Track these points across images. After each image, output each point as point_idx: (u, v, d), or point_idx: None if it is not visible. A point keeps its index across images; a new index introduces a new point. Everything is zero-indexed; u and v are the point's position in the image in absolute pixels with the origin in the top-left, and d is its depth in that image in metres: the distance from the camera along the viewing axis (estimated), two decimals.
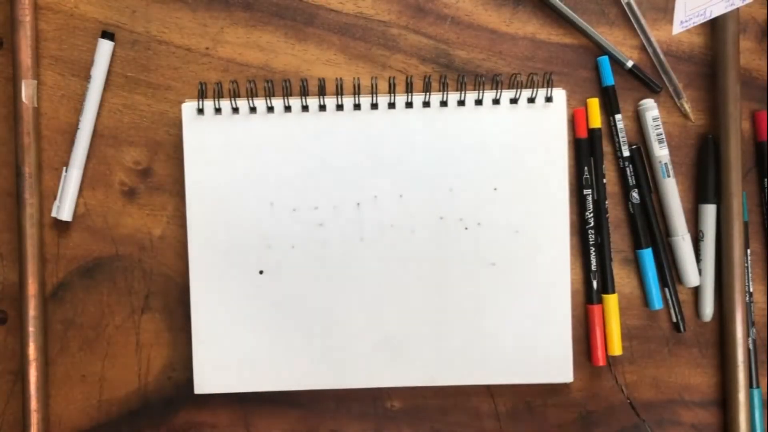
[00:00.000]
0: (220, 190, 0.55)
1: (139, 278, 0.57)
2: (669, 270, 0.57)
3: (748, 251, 0.57)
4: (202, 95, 0.54)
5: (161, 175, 0.57)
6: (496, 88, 0.55)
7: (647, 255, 0.56)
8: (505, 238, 0.55)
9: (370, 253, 0.55)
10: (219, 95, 0.55)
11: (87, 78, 0.56)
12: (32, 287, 0.55)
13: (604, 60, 0.56)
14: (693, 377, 0.58)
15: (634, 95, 0.57)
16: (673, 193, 0.56)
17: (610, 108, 0.56)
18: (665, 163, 0.56)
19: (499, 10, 0.56)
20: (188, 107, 0.55)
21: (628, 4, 0.56)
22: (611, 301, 0.56)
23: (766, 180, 0.57)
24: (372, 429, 0.57)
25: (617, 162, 0.57)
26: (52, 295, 0.57)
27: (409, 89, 0.55)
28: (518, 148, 0.55)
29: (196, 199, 0.55)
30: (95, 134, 0.57)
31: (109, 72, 0.56)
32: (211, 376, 0.55)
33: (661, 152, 0.56)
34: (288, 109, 0.55)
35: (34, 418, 0.56)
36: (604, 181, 0.56)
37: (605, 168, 0.56)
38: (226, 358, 0.56)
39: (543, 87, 0.54)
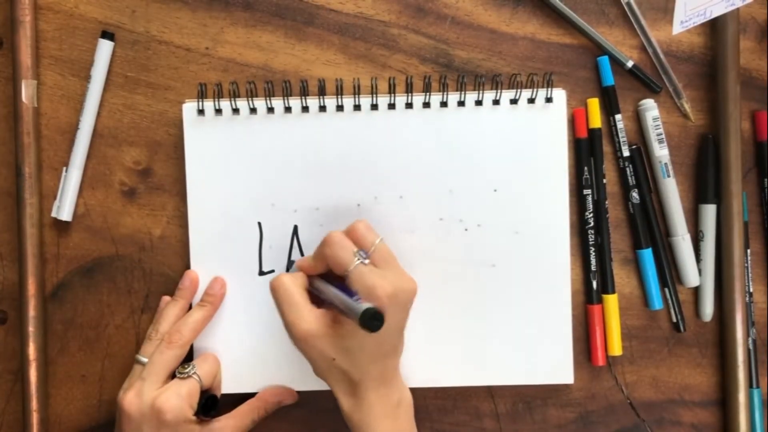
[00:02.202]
0: (221, 191, 0.55)
1: (139, 278, 0.57)
2: (669, 270, 0.57)
3: (748, 251, 0.57)
4: (201, 96, 0.54)
5: (161, 175, 0.57)
6: (496, 89, 0.55)
7: (647, 255, 0.56)
8: (505, 239, 0.55)
9: None
10: (219, 96, 0.55)
11: (87, 78, 0.56)
12: (32, 287, 0.55)
13: (604, 60, 0.56)
14: (693, 377, 0.58)
15: (634, 95, 0.57)
16: (673, 193, 0.56)
17: (610, 108, 0.56)
18: (665, 163, 0.56)
19: (499, 10, 0.56)
20: (189, 108, 0.55)
21: (628, 4, 0.56)
22: (611, 301, 0.56)
23: (766, 180, 0.57)
24: None
25: (617, 162, 0.57)
26: (52, 295, 0.57)
27: (409, 89, 0.55)
28: (518, 148, 0.55)
29: (197, 199, 0.55)
30: (95, 134, 0.57)
31: (109, 72, 0.56)
32: None
33: (661, 152, 0.56)
34: (288, 110, 0.55)
35: (34, 418, 0.56)
36: (604, 181, 0.56)
37: (605, 168, 0.56)
38: (226, 358, 0.56)
39: (543, 87, 0.54)
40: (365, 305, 0.42)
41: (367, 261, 0.48)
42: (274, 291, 0.49)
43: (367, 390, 0.49)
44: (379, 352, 0.48)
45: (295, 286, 0.49)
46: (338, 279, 0.49)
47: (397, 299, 0.47)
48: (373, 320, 0.42)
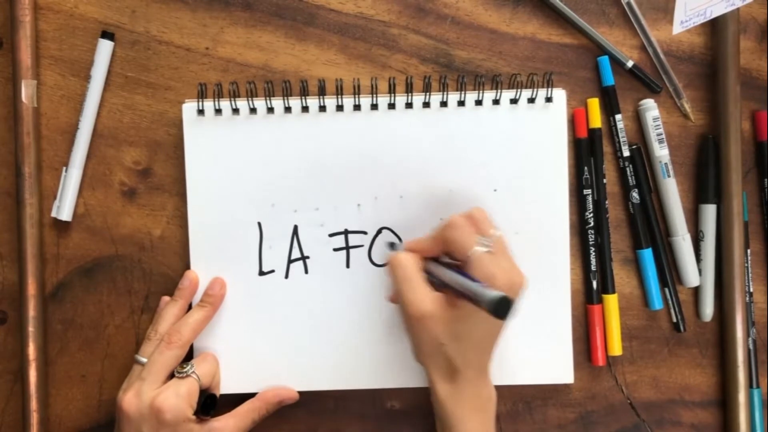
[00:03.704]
0: (221, 190, 0.55)
1: (139, 278, 0.57)
2: (669, 270, 0.57)
3: (748, 251, 0.57)
4: (201, 96, 0.54)
5: (161, 175, 0.57)
6: (496, 89, 0.55)
7: (647, 255, 0.56)
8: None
9: (371, 254, 0.55)
10: (219, 96, 0.55)
11: (87, 78, 0.56)
12: (32, 287, 0.55)
13: (604, 60, 0.56)
14: (693, 377, 0.58)
15: (634, 95, 0.57)
16: (673, 193, 0.56)
17: (610, 108, 0.56)
18: (665, 163, 0.56)
19: (499, 10, 0.56)
20: (189, 108, 0.55)
21: (628, 4, 0.56)
22: (611, 301, 0.56)
23: (766, 180, 0.57)
24: (372, 429, 0.57)
25: (617, 162, 0.57)
26: (52, 295, 0.57)
27: (409, 89, 0.54)
28: (518, 148, 0.55)
29: (197, 199, 0.55)
30: (95, 134, 0.57)
31: (109, 72, 0.56)
32: None
33: (661, 152, 0.56)
34: (288, 110, 0.55)
35: (34, 418, 0.56)
36: (604, 181, 0.56)
37: (605, 168, 0.56)
38: (226, 358, 0.56)
39: (543, 87, 0.54)
40: (496, 292, 0.42)
41: (489, 248, 0.48)
42: (393, 268, 0.50)
43: (466, 380, 0.49)
44: (485, 342, 0.49)
45: (413, 265, 0.50)
46: (448, 265, 0.50)
47: (510, 292, 0.47)
48: (505, 308, 0.42)
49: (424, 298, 0.48)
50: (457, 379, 0.49)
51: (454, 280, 0.47)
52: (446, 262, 0.51)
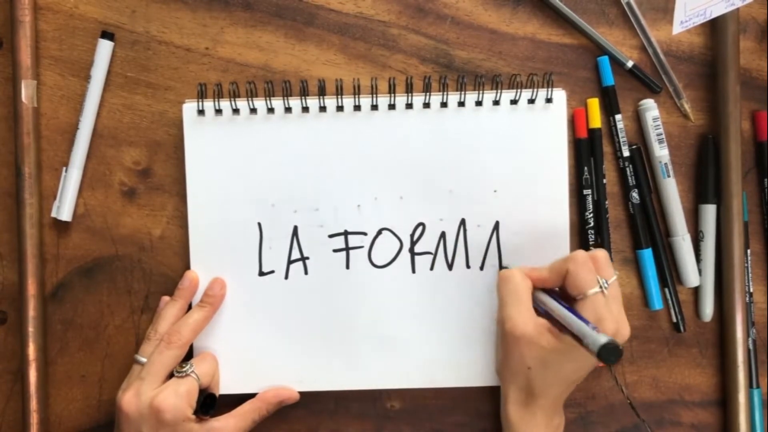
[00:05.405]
0: (221, 191, 0.55)
1: (139, 278, 0.57)
2: (669, 270, 0.57)
3: (748, 251, 0.57)
4: (201, 96, 0.54)
5: (161, 175, 0.57)
6: (496, 89, 0.55)
7: (647, 255, 0.56)
8: (505, 240, 0.55)
9: (371, 255, 0.55)
10: (219, 96, 0.55)
11: (87, 78, 0.56)
12: (32, 287, 0.55)
13: (604, 60, 0.56)
14: (693, 377, 0.58)
15: (634, 95, 0.57)
16: (673, 193, 0.56)
17: (610, 108, 0.56)
18: (665, 163, 0.56)
19: (499, 10, 0.56)
20: (189, 108, 0.55)
21: (628, 4, 0.56)
22: None
23: (766, 180, 0.57)
24: (372, 429, 0.57)
25: (617, 162, 0.57)
26: (52, 295, 0.57)
27: (409, 89, 0.54)
28: (518, 148, 0.55)
29: (197, 199, 0.55)
30: (95, 134, 0.57)
31: (109, 72, 0.56)
32: None
33: (661, 152, 0.56)
34: (288, 110, 0.55)
35: (34, 418, 0.56)
36: (604, 181, 0.56)
37: (605, 168, 0.56)
38: (226, 358, 0.56)
39: (543, 87, 0.54)
40: (606, 337, 0.42)
41: (606, 291, 0.48)
42: (504, 282, 0.51)
43: (541, 407, 0.50)
44: (570, 377, 0.50)
45: (524, 284, 0.50)
46: (554, 296, 0.50)
47: (615, 338, 0.47)
48: (612, 354, 0.42)
49: (528, 321, 0.49)
50: (531, 404, 0.50)
51: (564, 316, 0.47)
52: (554, 293, 0.51)
